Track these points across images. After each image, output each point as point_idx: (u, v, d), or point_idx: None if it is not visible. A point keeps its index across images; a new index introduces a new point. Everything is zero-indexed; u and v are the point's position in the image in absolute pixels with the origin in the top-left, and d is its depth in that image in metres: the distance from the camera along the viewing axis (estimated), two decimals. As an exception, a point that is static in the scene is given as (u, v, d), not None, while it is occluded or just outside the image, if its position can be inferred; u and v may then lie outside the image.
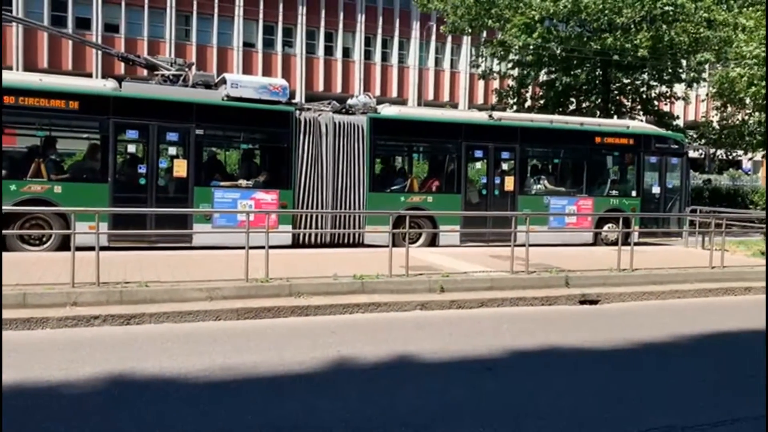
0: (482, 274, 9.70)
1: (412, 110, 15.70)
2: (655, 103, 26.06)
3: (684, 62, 23.80)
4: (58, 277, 7.73)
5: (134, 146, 12.13)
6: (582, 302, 9.12)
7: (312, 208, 12.80)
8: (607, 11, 20.71)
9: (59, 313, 6.88)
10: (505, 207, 14.25)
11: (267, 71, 36.84)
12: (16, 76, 12.60)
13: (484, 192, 14.55)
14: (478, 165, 14.93)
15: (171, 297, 7.60)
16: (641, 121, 23.39)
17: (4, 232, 10.25)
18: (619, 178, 16.25)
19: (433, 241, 13.64)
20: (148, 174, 11.81)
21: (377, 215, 12.65)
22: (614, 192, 15.65)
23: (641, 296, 9.56)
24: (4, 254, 8.65)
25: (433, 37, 39.30)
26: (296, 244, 12.42)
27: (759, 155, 27.30)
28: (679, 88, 26.46)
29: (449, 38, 37.32)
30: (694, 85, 25.87)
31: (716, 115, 26.42)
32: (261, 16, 36.36)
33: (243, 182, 12.69)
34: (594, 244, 14.83)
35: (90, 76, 33.17)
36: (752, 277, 10.88)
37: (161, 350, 6.06)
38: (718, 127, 25.61)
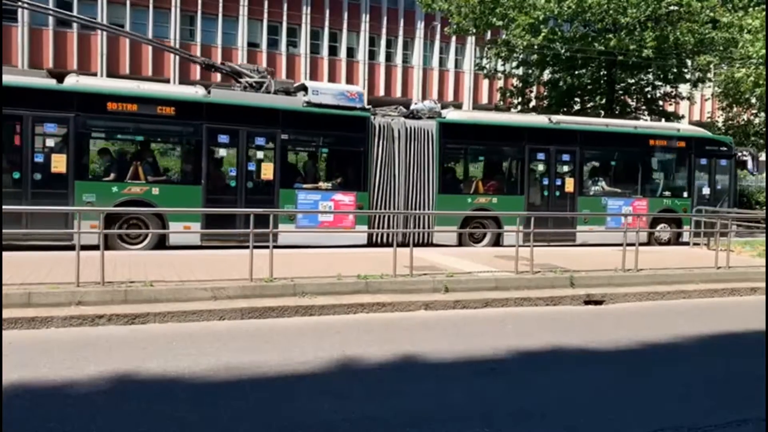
0: (487, 274, 9.69)
1: (477, 114, 16.37)
2: (660, 103, 25.99)
3: (689, 62, 23.73)
4: (63, 277, 7.74)
5: (225, 150, 12.77)
6: (587, 302, 9.09)
7: (385, 209, 13.44)
8: (611, 11, 20.65)
9: (64, 313, 6.89)
10: (565, 208, 14.79)
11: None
12: (115, 83, 13.22)
13: (545, 193, 14.97)
14: (540, 167, 15.31)
15: (175, 296, 7.61)
16: (646, 120, 23.38)
17: (105, 231, 10.56)
18: (671, 180, 16.65)
19: (497, 241, 14.07)
20: (238, 176, 12.48)
21: (446, 216, 13.43)
22: (667, 193, 16.14)
23: (646, 296, 9.53)
24: (10, 254, 8.68)
25: (438, 37, 39.28)
26: (370, 243, 13.03)
27: (763, 156, 27.18)
28: (684, 88, 26.38)
29: (453, 38, 37.24)
30: (699, 85, 25.79)
31: (721, 115, 26.34)
32: (265, 16, 36.37)
33: (323, 184, 13.39)
34: (648, 243, 14.87)
35: (95, 74, 33.28)
36: (757, 277, 10.83)
37: (166, 350, 6.07)
38: (723, 127, 25.53)
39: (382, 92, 38.55)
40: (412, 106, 14.58)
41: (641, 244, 14.29)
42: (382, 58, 39.69)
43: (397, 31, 39.76)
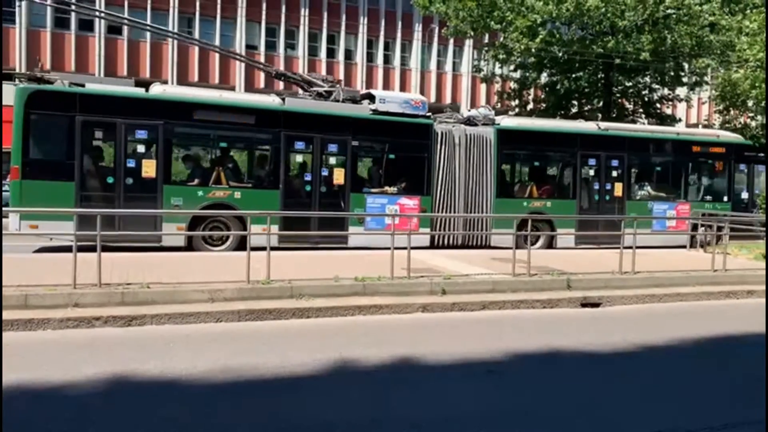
0: (484, 276, 9.69)
1: (530, 121, 16.82)
2: (657, 106, 26.04)
3: (686, 65, 23.78)
4: (60, 279, 7.73)
5: (300, 156, 13.32)
6: (583, 305, 9.10)
7: (447, 212, 13.98)
8: (609, 14, 20.69)
9: (61, 315, 6.88)
10: (614, 211, 15.35)
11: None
12: (198, 92, 13.82)
13: (596, 198, 15.54)
14: (591, 172, 15.76)
15: (172, 298, 7.61)
16: (644, 123, 23.43)
17: (190, 233, 11.60)
18: (711, 185, 17.09)
19: (550, 244, 14.57)
20: (313, 181, 13.04)
21: (502, 219, 13.85)
22: (708, 197, 16.69)
23: (643, 299, 9.54)
24: (7, 255, 8.68)
25: (435, 40, 39.33)
26: (433, 245, 13.40)
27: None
28: (681, 91, 26.43)
29: (451, 41, 37.33)
30: (696, 88, 25.84)
31: (719, 118, 26.39)
32: (263, 17, 36.39)
33: (389, 189, 13.84)
34: (692, 246, 15.06)
35: (92, 75, 33.22)
36: (754, 280, 10.86)
37: (162, 352, 6.06)
38: (721, 130, 25.56)
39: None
40: (467, 113, 15.19)
41: (679, 247, 14.84)
42: (380, 60, 39.74)
43: (395, 33, 39.83)
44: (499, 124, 14.77)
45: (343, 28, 38.38)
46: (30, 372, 5.23)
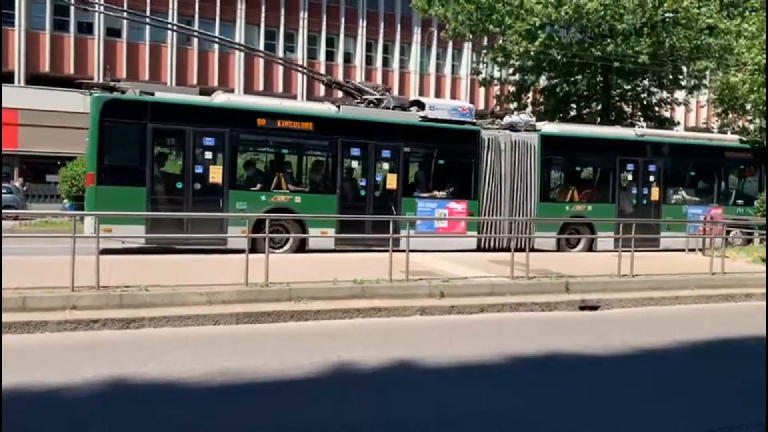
0: (482, 279, 9.69)
1: (571, 127, 17.39)
2: (656, 109, 26.06)
3: (684, 69, 23.81)
4: (58, 281, 7.71)
5: (356, 162, 13.96)
6: (582, 308, 9.10)
7: (493, 216, 14.50)
8: (608, 17, 20.72)
9: (59, 317, 6.88)
10: (651, 215, 15.87)
11: (268, 76, 36.86)
12: (258, 100, 14.53)
13: (634, 202, 16.02)
14: (629, 177, 16.20)
15: (171, 301, 7.60)
16: (642, 126, 23.47)
17: (253, 235, 11.56)
18: (742, 189, 17.61)
19: (590, 247, 14.98)
20: (367, 186, 13.63)
21: (545, 222, 14.55)
22: (739, 201, 17.16)
23: (641, 302, 9.55)
24: (8, 257, 8.67)
25: (434, 43, 39.37)
26: (479, 248, 13.91)
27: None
28: (679, 95, 26.46)
29: (450, 43, 37.36)
30: (695, 91, 25.88)
31: (717, 121, 26.39)
32: (263, 20, 36.41)
33: (438, 193, 14.34)
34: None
35: (92, 80, 33.23)
36: (752, 283, 10.87)
37: (160, 354, 6.05)
38: (718, 133, 25.60)
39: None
40: (508, 119, 15.60)
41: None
42: (379, 63, 39.75)
43: (394, 36, 39.86)
44: (540, 130, 15.22)
45: (342, 30, 38.41)
46: (28, 374, 5.22)
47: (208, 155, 12.44)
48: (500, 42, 23.82)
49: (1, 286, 6.78)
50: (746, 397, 5.37)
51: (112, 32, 33.87)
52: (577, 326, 8.20)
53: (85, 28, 33.41)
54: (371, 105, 14.17)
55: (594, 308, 9.16)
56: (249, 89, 33.19)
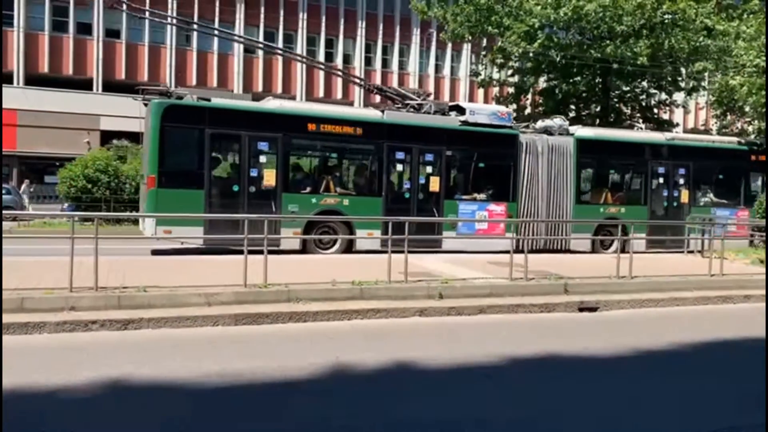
0: (481, 280, 9.69)
1: (604, 131, 17.70)
2: (655, 110, 26.10)
3: (683, 70, 23.85)
4: (56, 282, 7.71)
5: (401, 165, 14.28)
6: (581, 309, 9.10)
7: (531, 218, 14.92)
8: (607, 19, 20.74)
9: (57, 318, 6.86)
10: (681, 217, 16.17)
11: (267, 77, 36.93)
12: (308, 106, 15.17)
13: (665, 204, 16.58)
14: (660, 180, 16.71)
15: (169, 302, 7.59)
16: (641, 128, 23.48)
17: (305, 236, 12.50)
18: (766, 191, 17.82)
19: (623, 248, 15.23)
20: (411, 189, 14.07)
21: (580, 224, 14.99)
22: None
23: (640, 303, 9.55)
24: (6, 258, 8.67)
25: (434, 44, 39.39)
26: (517, 249, 13.86)
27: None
28: (678, 97, 26.50)
29: (449, 45, 37.39)
30: (694, 93, 25.91)
31: (716, 123, 26.46)
32: (262, 21, 36.42)
33: (478, 196, 14.81)
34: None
35: (90, 80, 33.28)
36: (751, 285, 10.87)
37: (159, 356, 6.04)
38: (717, 135, 25.65)
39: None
40: (541, 123, 15.91)
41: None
42: (378, 64, 39.76)
43: (394, 37, 39.88)
44: (573, 134, 15.67)
45: (341, 32, 38.44)
46: (26, 376, 5.21)
47: (262, 159, 12.93)
48: (499, 43, 23.86)
49: (1, 287, 6.75)
50: (746, 398, 5.36)
51: (111, 33, 33.88)
52: (576, 327, 8.20)
53: (84, 28, 33.41)
54: (412, 110, 14.69)
55: (593, 310, 9.16)
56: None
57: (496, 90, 28.09)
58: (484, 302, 8.79)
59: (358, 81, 23.02)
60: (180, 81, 34.75)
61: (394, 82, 39.92)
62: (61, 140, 30.31)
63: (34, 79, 32.30)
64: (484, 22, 22.45)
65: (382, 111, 14.33)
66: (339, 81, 37.46)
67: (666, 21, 21.16)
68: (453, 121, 14.57)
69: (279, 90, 36.32)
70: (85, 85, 33.18)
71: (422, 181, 14.15)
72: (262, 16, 36.34)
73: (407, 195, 14.06)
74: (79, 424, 4.37)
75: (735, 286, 10.84)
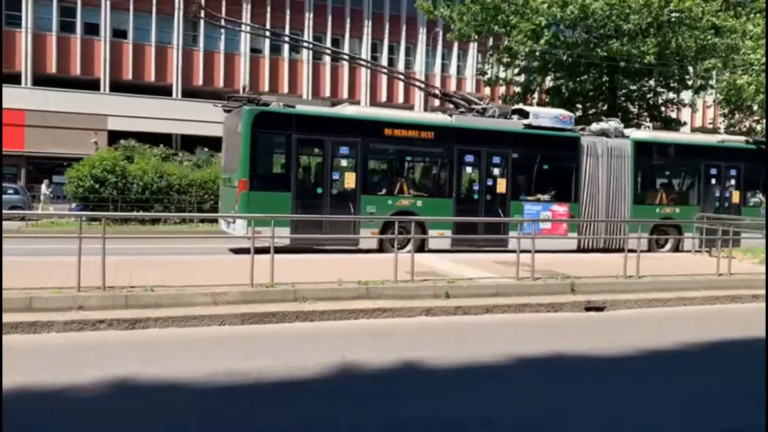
0: (488, 280, 9.68)
1: (659, 134, 18.12)
2: (662, 109, 25.97)
3: (691, 69, 23.74)
4: (64, 281, 7.75)
5: (469, 168, 14.85)
6: (588, 309, 9.07)
7: (591, 218, 15.32)
8: (614, 17, 20.68)
9: (65, 317, 6.90)
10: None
11: (274, 77, 37.02)
12: (387, 112, 15.70)
13: (717, 204, 16.88)
14: (712, 180, 17.11)
15: (176, 301, 7.61)
16: (648, 128, 23.40)
17: (380, 236, 13.05)
18: None
19: (677, 248, 15.74)
20: (480, 190, 14.64)
21: (636, 223, 14.91)
22: None
23: (648, 303, 9.51)
24: (14, 258, 8.74)
25: (440, 43, 39.35)
26: (579, 249, 14.66)
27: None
28: (686, 95, 26.37)
29: (456, 44, 37.39)
30: (701, 92, 25.78)
31: (723, 122, 26.31)
32: (268, 21, 36.46)
33: (541, 197, 15.30)
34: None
35: (98, 81, 33.41)
36: (759, 284, 10.78)
37: (166, 355, 6.07)
38: (725, 134, 25.50)
39: (384, 98, 38.70)
40: (596, 126, 16.33)
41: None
42: (384, 63, 39.72)
43: (400, 36, 39.86)
44: (629, 137, 16.09)
45: (347, 31, 38.45)
46: (34, 375, 5.24)
47: (344, 162, 13.68)
48: (506, 42, 23.81)
49: (1, 286, 6.78)
50: (750, 398, 5.33)
51: (118, 33, 34.02)
52: (583, 328, 8.18)
53: (91, 29, 33.56)
54: (477, 114, 15.14)
55: (600, 309, 9.13)
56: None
57: (502, 89, 28.04)
58: (491, 302, 8.77)
59: (420, 86, 23.47)
60: (186, 81, 34.93)
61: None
62: (68, 140, 30.45)
63: (41, 80, 32.48)
64: (490, 21, 22.40)
65: (450, 115, 14.89)
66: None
67: (673, 19, 21.07)
68: (517, 124, 15.07)
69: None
70: (93, 85, 33.35)
71: (489, 182, 14.68)
72: (268, 15, 36.37)
73: (476, 196, 14.63)
74: (86, 423, 4.40)
75: (743, 285, 10.77)
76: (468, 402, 5.08)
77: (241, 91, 13.99)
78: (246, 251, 12.18)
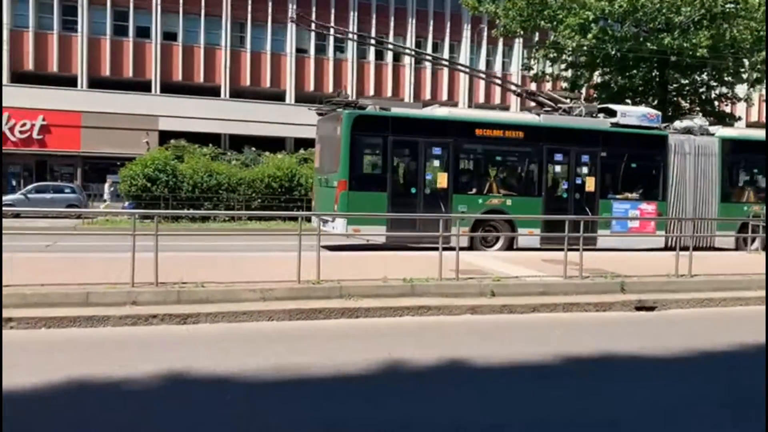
0: (535, 278, 9.57)
1: (744, 131, 17.99)
2: (715, 104, 25.15)
3: (746, 61, 22.90)
4: (119, 277, 8.00)
5: (558, 167, 14.97)
6: (638, 309, 8.87)
7: (679, 216, 15.25)
8: (664, 10, 20.13)
9: (120, 312, 7.12)
10: None
11: (319, 76, 37.37)
12: (475, 113, 16.39)
13: None
14: None
15: (226, 297, 7.78)
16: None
17: (472, 234, 13.42)
18: None
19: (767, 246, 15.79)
20: (569, 189, 14.77)
21: (725, 222, 15.27)
22: None
23: (701, 303, 9.24)
24: (72, 254, 9.11)
25: (485, 40, 39.02)
26: (667, 247, 14.48)
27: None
28: (740, 89, 25.46)
29: (501, 40, 37.04)
30: (757, 85, 24.84)
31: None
32: (313, 23, 36.77)
33: (629, 195, 15.33)
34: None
35: (149, 82, 34.30)
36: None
37: (216, 350, 6.21)
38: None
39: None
40: (680, 123, 16.31)
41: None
42: (389, 58, 39.56)
43: (444, 34, 39.71)
44: (714, 134, 15.95)
45: (391, 29, 38.49)
46: (93, 367, 5.43)
47: (436, 163, 13.96)
48: (552, 37, 23.44)
49: (1, 283, 6.89)
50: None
51: (169, 36, 34.88)
52: (633, 328, 8.00)
53: (144, 32, 34.50)
54: (564, 113, 15.25)
55: (650, 309, 8.92)
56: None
57: (548, 85, 27.62)
58: (538, 300, 8.67)
59: (513, 88, 23.64)
60: (234, 81, 35.55)
61: (445, 79, 39.82)
62: (122, 140, 31.42)
63: (96, 82, 33.57)
64: (536, 16, 22.09)
65: (538, 114, 15.09)
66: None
67: (728, 10, 20.37)
68: (604, 123, 15.11)
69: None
70: (144, 86, 34.29)
71: (578, 181, 14.75)
72: (313, 16, 36.70)
73: (565, 195, 14.72)
74: (140, 416, 4.53)
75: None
76: (514, 402, 5.04)
77: (337, 96, 14.21)
78: (340, 249, 13.03)
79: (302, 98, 36.49)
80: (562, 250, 12.45)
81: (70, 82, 33.13)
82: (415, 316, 7.93)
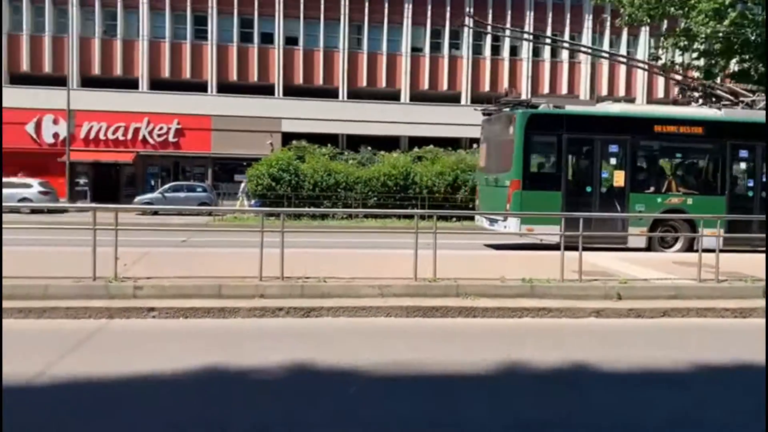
0: (665, 281, 9.05)
1: None
2: None
3: None
4: (247, 271, 8.44)
5: (743, 164, 14.53)
6: (784, 316, 8.12)
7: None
8: (814, -12, 18.26)
9: (249, 304, 7.53)
10: None
11: (434, 74, 37.39)
12: (651, 108, 15.97)
13: None
14: None
15: (346, 293, 8.00)
16: None
17: (649, 234, 13.29)
18: None
19: None
20: (755, 187, 14.26)
21: None
22: None
23: None
24: (205, 249, 9.77)
25: (607, 30, 37.31)
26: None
27: None
28: None
29: (625, 30, 35.23)
30: None
31: None
32: (428, 21, 36.94)
33: None
34: None
35: (272, 86, 35.91)
36: None
37: (338, 343, 6.41)
38: None
39: (546, 89, 37.58)
40: None
41: None
42: (546, 54, 38.59)
43: (563, 25, 38.38)
44: None
45: (508, 22, 37.74)
46: (226, 356, 5.79)
47: (612, 161, 13.72)
48: (683, 24, 21.96)
49: (1, 278, 7.11)
50: None
51: (290, 41, 36.32)
52: (778, 336, 7.34)
53: (267, 38, 36.16)
54: (746, 107, 14.75)
55: (798, 317, 8.13)
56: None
57: (679, 75, 25.89)
58: (668, 304, 8.18)
59: (689, 82, 23.03)
60: (351, 82, 36.42)
61: (564, 72, 38.51)
62: (248, 142, 33.12)
63: (224, 87, 35.62)
64: (665, 3, 20.78)
65: (720, 108, 14.53)
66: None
67: None
68: None
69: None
70: (268, 90, 35.93)
71: (765, 179, 14.09)
72: (428, 16, 36.82)
73: (750, 193, 14.10)
74: (268, 405, 4.76)
75: None
76: (642, 408, 4.78)
77: (505, 95, 14.23)
78: (506, 247, 13.17)
79: (415, 97, 36.74)
80: (749, 251, 11.75)
81: (201, 87, 35.37)
82: (534, 318, 7.75)
